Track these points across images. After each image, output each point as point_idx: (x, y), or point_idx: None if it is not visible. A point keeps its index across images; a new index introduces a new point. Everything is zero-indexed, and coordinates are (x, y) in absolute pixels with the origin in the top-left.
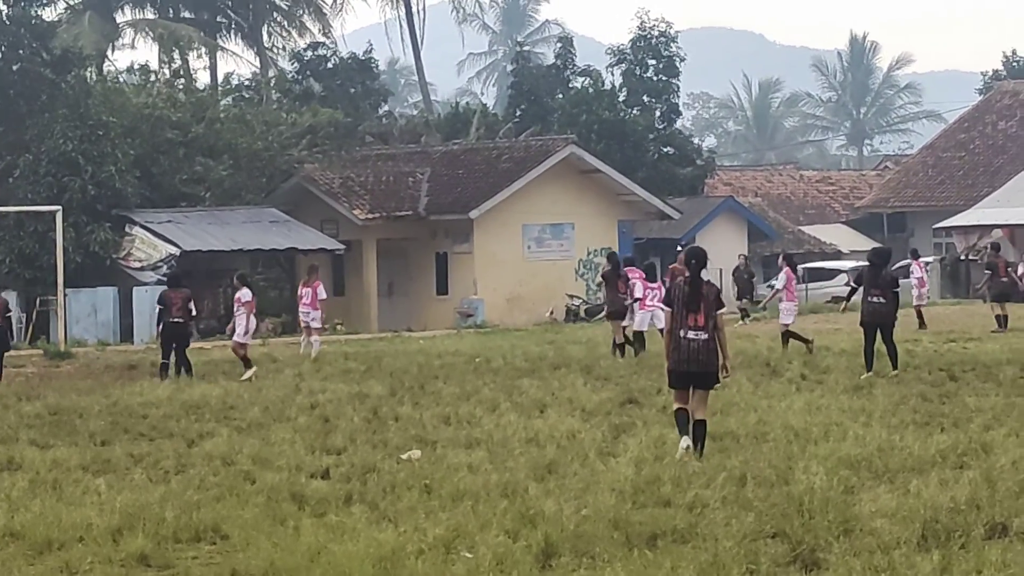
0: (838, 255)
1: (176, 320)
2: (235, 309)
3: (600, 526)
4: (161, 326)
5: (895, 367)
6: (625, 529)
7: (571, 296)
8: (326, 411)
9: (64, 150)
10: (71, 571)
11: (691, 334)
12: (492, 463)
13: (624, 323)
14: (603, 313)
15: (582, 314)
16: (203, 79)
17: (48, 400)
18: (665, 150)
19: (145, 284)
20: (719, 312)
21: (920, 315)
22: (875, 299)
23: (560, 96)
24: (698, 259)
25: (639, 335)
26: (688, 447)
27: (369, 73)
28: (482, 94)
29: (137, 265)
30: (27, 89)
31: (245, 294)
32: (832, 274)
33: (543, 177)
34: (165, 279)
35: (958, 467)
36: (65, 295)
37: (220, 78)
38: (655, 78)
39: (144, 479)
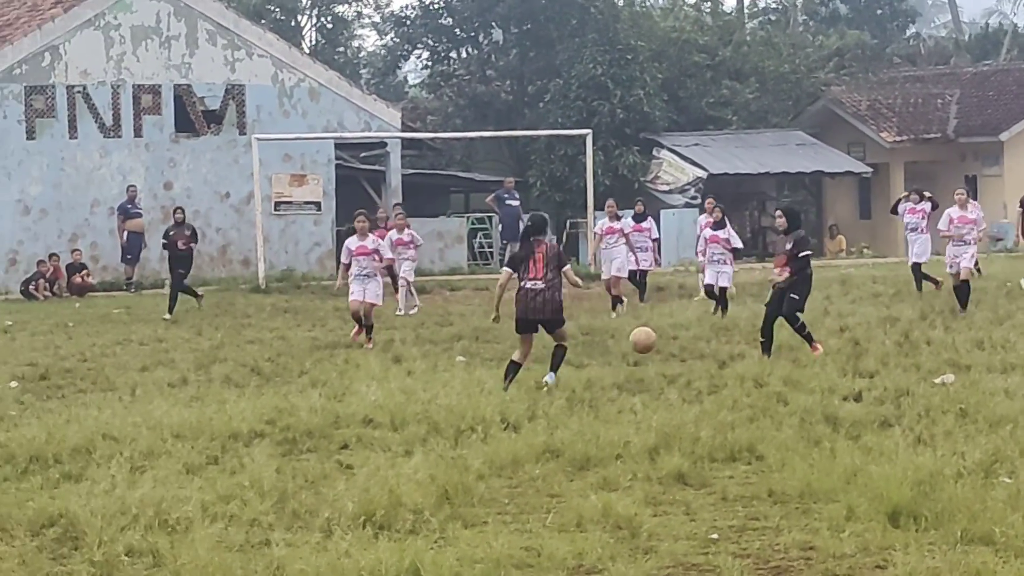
0: None
1: None
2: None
3: None
4: None
5: None
6: None
7: None
8: (856, 335)
9: (593, 74)
10: (611, 488)
11: (529, 284)
12: None
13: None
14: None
15: None
16: (729, 2)
17: (580, 321)
18: None
19: (673, 207)
20: (566, 268)
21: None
22: None
23: None
24: (535, 224)
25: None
26: (549, 381)
27: None
28: (1013, 14)
29: (665, 188)
30: (557, 15)
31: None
32: None
33: None
34: (693, 202)
35: None
36: (595, 217)
37: (747, 1)
38: None
39: (678, 399)
